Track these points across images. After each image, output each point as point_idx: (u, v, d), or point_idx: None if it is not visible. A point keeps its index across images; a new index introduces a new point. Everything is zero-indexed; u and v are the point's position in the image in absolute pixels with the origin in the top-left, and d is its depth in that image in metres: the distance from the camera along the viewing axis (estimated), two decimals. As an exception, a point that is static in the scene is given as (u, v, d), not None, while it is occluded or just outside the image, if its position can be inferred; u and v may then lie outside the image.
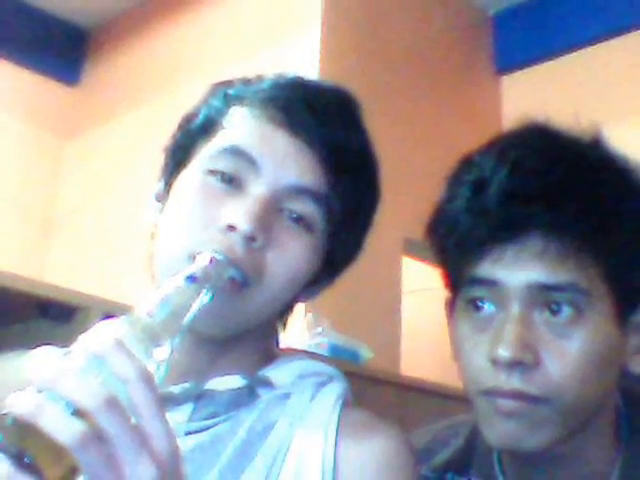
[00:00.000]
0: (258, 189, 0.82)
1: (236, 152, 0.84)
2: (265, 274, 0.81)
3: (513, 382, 0.86)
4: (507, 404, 0.88)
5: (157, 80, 4.29)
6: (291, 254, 0.83)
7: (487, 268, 0.89)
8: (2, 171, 4.47)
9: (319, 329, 2.55)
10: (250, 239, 0.79)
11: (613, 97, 4.31)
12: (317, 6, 3.82)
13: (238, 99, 0.90)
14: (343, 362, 2.37)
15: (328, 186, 0.85)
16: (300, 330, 2.66)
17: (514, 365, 0.86)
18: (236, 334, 0.85)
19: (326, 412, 0.84)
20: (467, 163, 0.98)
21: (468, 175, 0.95)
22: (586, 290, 0.87)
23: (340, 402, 0.86)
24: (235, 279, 0.78)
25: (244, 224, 0.79)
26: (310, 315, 2.65)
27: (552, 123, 0.99)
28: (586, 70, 4.46)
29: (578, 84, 4.47)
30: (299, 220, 0.84)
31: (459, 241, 0.93)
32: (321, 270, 0.90)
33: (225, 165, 0.84)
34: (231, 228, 0.80)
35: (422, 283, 4.58)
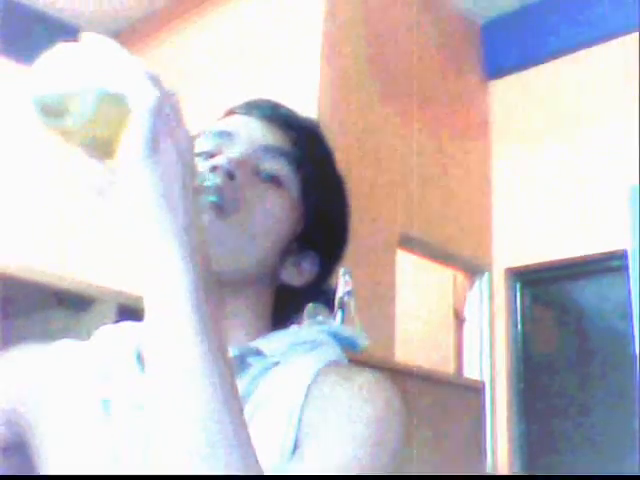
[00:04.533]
0: (234, 151, 0.89)
1: (217, 132, 0.92)
2: (243, 207, 0.85)
3: None
4: None
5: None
6: (266, 198, 0.88)
7: None
8: (22, 164, 4.48)
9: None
10: (230, 175, 0.84)
11: (596, 101, 4.31)
12: (319, 19, 3.83)
13: (231, 111, 0.98)
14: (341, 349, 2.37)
15: (293, 146, 0.92)
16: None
17: None
18: (228, 276, 0.85)
19: (305, 369, 0.82)
20: None
21: None
22: None
23: (323, 362, 0.83)
24: (215, 203, 0.83)
25: (225, 163, 0.85)
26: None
27: None
28: (570, 76, 4.46)
29: (562, 89, 4.47)
30: (273, 178, 0.89)
31: None
32: (300, 237, 0.91)
33: (208, 145, 0.90)
34: (214, 168, 0.85)
35: (415, 275, 4.59)
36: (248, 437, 0.61)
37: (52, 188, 4.57)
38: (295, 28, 3.92)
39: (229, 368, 0.62)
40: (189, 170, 0.64)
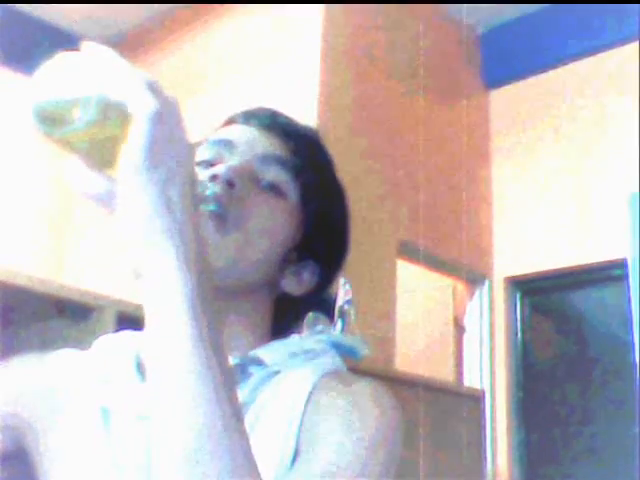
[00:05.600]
0: (234, 159, 0.89)
1: (216, 141, 0.92)
2: (243, 216, 0.85)
3: None
4: None
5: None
6: (267, 209, 0.88)
7: None
8: (22, 171, 4.48)
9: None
10: (229, 184, 0.84)
11: (595, 110, 4.32)
12: (317, 26, 3.84)
13: (231, 120, 0.98)
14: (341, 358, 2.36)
15: (293, 155, 0.92)
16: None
17: None
18: (228, 285, 0.85)
19: (305, 378, 0.82)
20: None
21: None
22: None
23: (323, 371, 0.83)
24: (215, 211, 0.83)
25: (224, 172, 0.85)
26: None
27: None
28: (570, 85, 4.47)
29: (562, 98, 4.48)
30: (272, 187, 0.89)
31: None
32: (300, 245, 0.91)
33: (208, 154, 0.90)
34: (214, 177, 0.85)
35: (415, 284, 4.59)
36: (249, 445, 0.60)
37: (52, 197, 4.58)
38: (294, 37, 3.93)
39: (230, 377, 0.62)
40: (189, 179, 0.63)
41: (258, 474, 0.60)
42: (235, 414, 0.60)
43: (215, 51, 4.29)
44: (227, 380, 0.61)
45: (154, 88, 0.62)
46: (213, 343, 0.61)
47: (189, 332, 0.60)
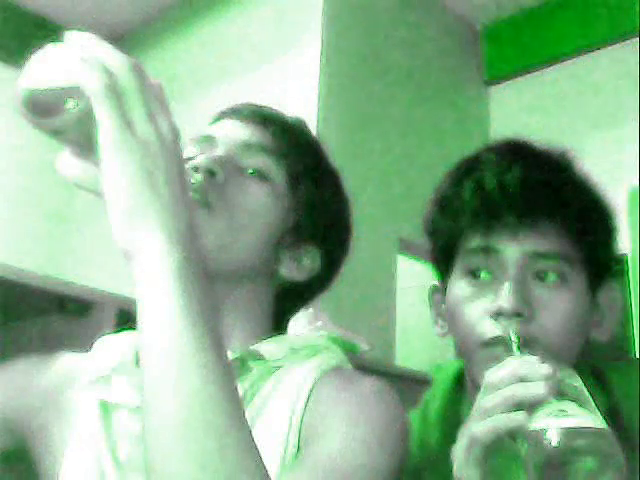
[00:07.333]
0: (215, 151, 0.90)
1: (199, 138, 0.93)
2: (227, 202, 0.86)
3: (511, 332, 0.93)
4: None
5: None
6: (248, 191, 0.88)
7: (487, 239, 0.97)
8: (21, 167, 4.47)
9: (319, 323, 2.55)
10: (209, 172, 0.86)
11: (596, 107, 4.31)
12: (317, 23, 3.83)
13: (215, 118, 1.00)
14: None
15: (275, 141, 0.92)
16: (301, 324, 2.65)
17: (513, 316, 0.91)
18: (221, 271, 0.85)
19: (307, 374, 0.82)
20: (469, 167, 1.07)
21: (470, 176, 1.03)
22: (570, 258, 0.97)
23: (325, 367, 0.83)
24: (198, 200, 0.84)
25: (205, 162, 0.86)
26: (311, 310, 2.65)
27: (532, 141, 1.09)
28: (570, 81, 4.46)
29: (562, 95, 4.47)
30: (256, 173, 0.90)
31: (468, 221, 0.99)
32: (294, 229, 0.92)
33: (191, 151, 0.91)
34: (195, 169, 0.86)
35: (415, 280, 4.58)
36: (250, 435, 0.58)
37: (51, 192, 4.57)
38: (294, 35, 3.92)
39: (225, 359, 0.60)
40: (173, 155, 0.61)
41: (263, 466, 0.57)
42: (235, 402, 0.58)
43: (215, 47, 4.28)
44: (223, 362, 0.59)
45: (136, 68, 0.61)
46: (205, 319, 0.58)
47: (176, 308, 0.57)
